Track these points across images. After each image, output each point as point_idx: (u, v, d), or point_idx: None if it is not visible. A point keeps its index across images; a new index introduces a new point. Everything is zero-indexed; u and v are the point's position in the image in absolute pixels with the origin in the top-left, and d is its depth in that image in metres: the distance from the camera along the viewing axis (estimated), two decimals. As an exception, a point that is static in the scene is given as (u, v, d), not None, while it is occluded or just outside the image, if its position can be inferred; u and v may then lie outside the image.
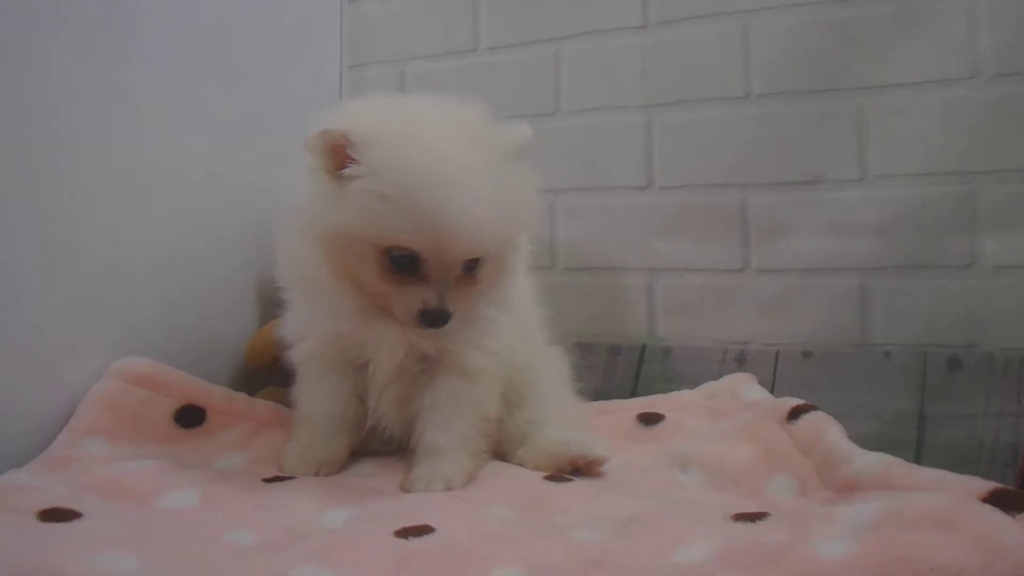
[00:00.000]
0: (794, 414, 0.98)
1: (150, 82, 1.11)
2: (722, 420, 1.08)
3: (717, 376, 1.22)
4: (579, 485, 0.93)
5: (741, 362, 1.24)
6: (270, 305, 1.14)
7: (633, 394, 1.29)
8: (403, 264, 0.84)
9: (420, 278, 0.85)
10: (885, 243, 1.16)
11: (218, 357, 1.22)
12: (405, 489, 0.91)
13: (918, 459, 1.08)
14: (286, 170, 0.95)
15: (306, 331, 0.97)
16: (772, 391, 1.19)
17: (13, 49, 0.93)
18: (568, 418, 1.05)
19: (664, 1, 1.30)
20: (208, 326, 1.22)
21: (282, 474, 0.94)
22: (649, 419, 1.13)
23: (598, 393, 1.30)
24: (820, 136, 1.20)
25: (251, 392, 1.17)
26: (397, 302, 0.86)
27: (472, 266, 0.87)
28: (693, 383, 1.23)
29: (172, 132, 1.15)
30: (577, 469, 0.96)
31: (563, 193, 1.38)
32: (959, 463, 0.99)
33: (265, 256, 1.04)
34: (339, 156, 0.82)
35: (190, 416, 1.03)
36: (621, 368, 1.32)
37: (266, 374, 1.21)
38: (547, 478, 0.94)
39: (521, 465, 1.00)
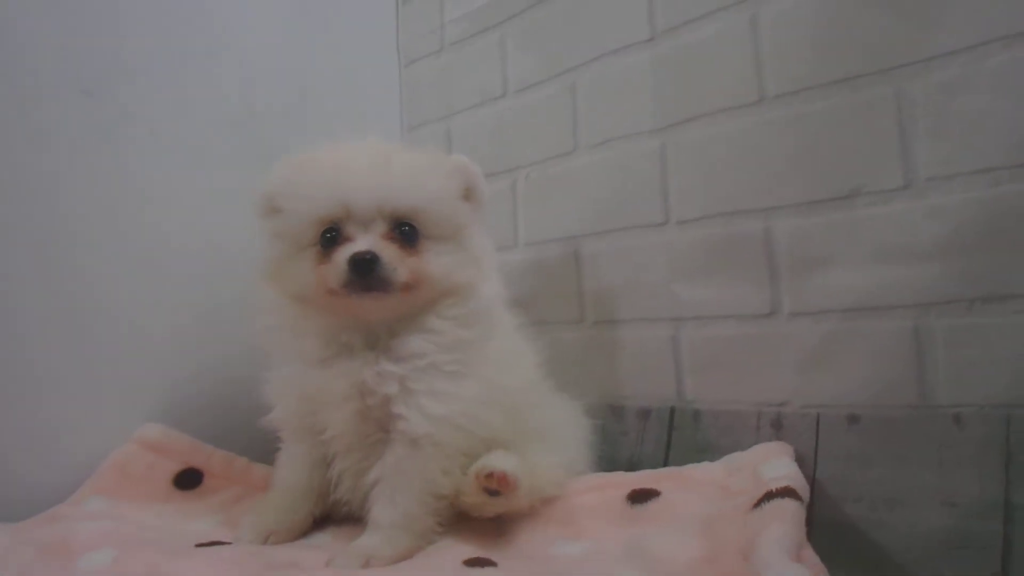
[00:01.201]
0: (761, 501, 0.77)
1: (169, 166, 1.22)
2: (722, 502, 0.88)
3: (751, 444, 0.99)
4: (491, 573, 0.80)
5: (777, 428, 0.99)
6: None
7: (665, 463, 1.10)
8: (332, 240, 0.89)
9: (345, 242, 0.88)
10: (943, 269, 0.85)
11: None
12: (327, 562, 0.86)
13: (1005, 566, 0.77)
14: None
15: (278, 393, 0.98)
16: (814, 467, 0.94)
17: (36, 151, 1.08)
18: (533, 471, 0.93)
19: (668, 5, 1.12)
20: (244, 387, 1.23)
21: (223, 540, 0.94)
22: (641, 496, 0.95)
23: (632, 463, 1.15)
24: (853, 137, 0.93)
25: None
26: (330, 273, 0.87)
27: (404, 231, 0.90)
28: (725, 453, 1.01)
29: (200, 212, 1.24)
30: (492, 492, 0.87)
31: (586, 238, 1.23)
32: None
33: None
34: (272, 202, 0.93)
35: (188, 479, 1.12)
36: (652, 434, 1.13)
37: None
38: (468, 562, 0.83)
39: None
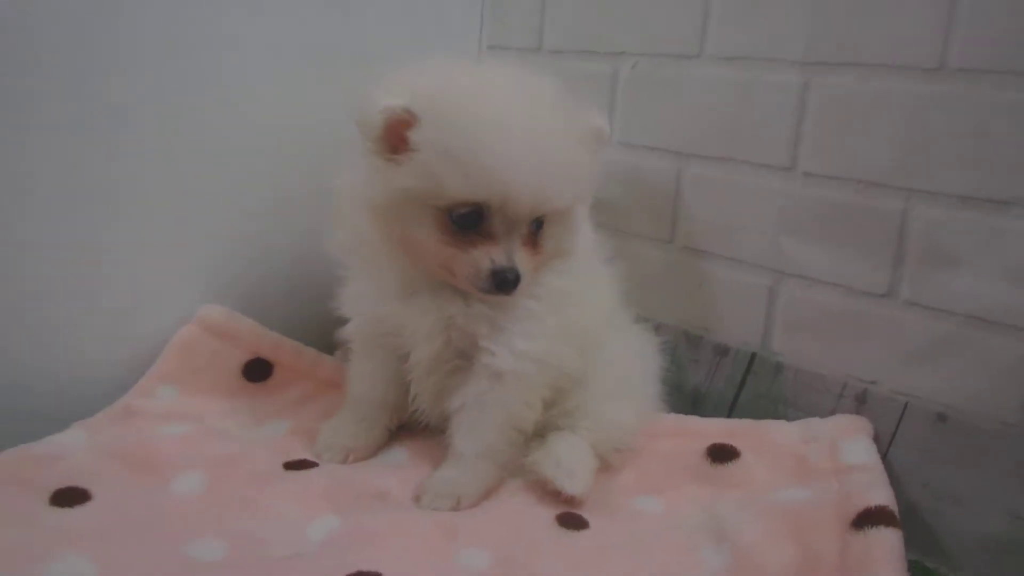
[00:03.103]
0: (861, 520, 0.80)
1: (255, 82, 1.10)
2: (803, 483, 0.93)
3: (830, 410, 1.03)
4: (586, 537, 0.85)
5: (860, 403, 1.01)
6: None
7: (734, 403, 1.14)
8: (467, 223, 0.80)
9: (485, 236, 0.81)
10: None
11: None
12: (416, 497, 0.90)
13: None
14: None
15: (355, 309, 0.96)
16: (886, 453, 0.98)
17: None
18: (607, 425, 0.97)
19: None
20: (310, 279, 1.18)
21: (309, 458, 0.96)
22: (721, 454, 0.99)
23: (697, 394, 1.18)
24: (1029, 139, 0.86)
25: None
26: (461, 265, 0.82)
27: (537, 228, 0.85)
28: (801, 411, 1.06)
29: (267, 109, 1.13)
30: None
31: (692, 159, 1.16)
32: None
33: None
34: (398, 133, 0.79)
35: (257, 370, 1.10)
36: (726, 371, 1.15)
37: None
38: (559, 519, 0.88)
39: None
